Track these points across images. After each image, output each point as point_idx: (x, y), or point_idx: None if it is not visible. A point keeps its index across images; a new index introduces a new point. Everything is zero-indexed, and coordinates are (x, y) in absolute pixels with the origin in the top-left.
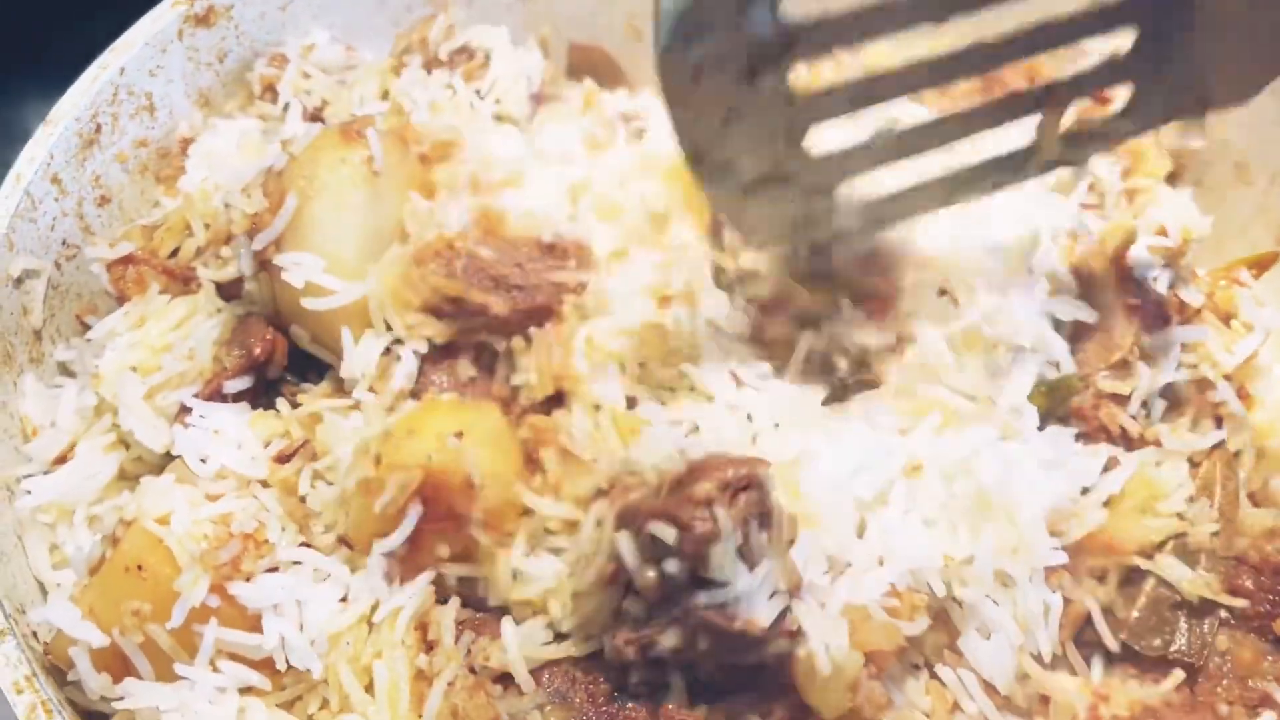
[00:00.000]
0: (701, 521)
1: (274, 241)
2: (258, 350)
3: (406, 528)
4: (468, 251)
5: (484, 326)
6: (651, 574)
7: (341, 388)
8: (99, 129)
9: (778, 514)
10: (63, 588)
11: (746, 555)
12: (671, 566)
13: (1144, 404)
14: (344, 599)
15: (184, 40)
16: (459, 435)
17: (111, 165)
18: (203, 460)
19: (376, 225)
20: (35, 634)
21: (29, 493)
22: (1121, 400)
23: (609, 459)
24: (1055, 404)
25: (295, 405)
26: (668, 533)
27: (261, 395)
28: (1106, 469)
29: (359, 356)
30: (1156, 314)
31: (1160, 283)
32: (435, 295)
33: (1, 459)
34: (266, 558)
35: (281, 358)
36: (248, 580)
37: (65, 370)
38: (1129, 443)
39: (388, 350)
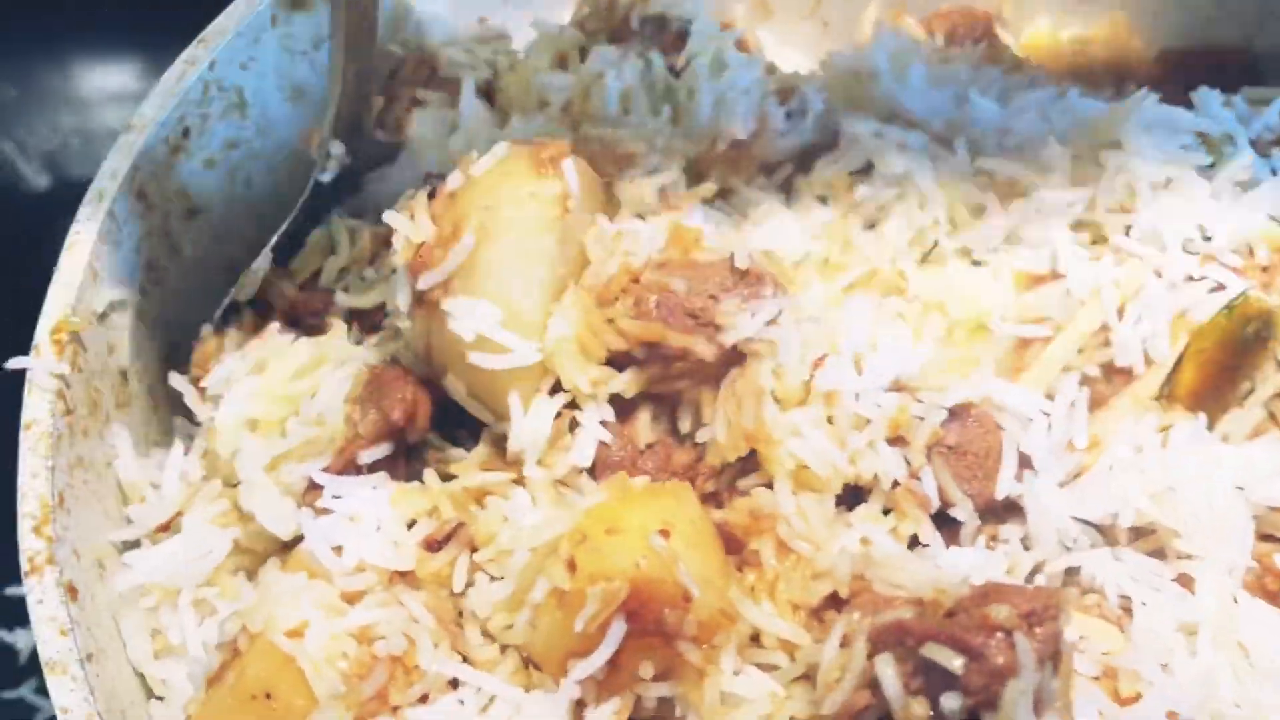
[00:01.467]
0: (998, 651)
1: (442, 283)
2: (396, 414)
3: (609, 647)
4: (659, 285)
5: (682, 375)
6: (921, 711)
7: (499, 451)
8: (186, 133)
9: (1068, 656)
10: (170, 690)
11: (1036, 702)
12: (951, 703)
13: None
14: None
15: (278, 26)
16: (664, 533)
17: (201, 173)
18: (337, 550)
19: (563, 274)
20: None
21: (127, 566)
22: None
23: (834, 555)
24: (1246, 333)
25: (445, 476)
26: (954, 661)
27: (402, 462)
28: None
29: (529, 426)
30: None
31: None
32: (621, 341)
33: (91, 525)
34: (418, 684)
35: (425, 420)
36: (394, 714)
37: (156, 414)
38: None
39: (558, 413)
